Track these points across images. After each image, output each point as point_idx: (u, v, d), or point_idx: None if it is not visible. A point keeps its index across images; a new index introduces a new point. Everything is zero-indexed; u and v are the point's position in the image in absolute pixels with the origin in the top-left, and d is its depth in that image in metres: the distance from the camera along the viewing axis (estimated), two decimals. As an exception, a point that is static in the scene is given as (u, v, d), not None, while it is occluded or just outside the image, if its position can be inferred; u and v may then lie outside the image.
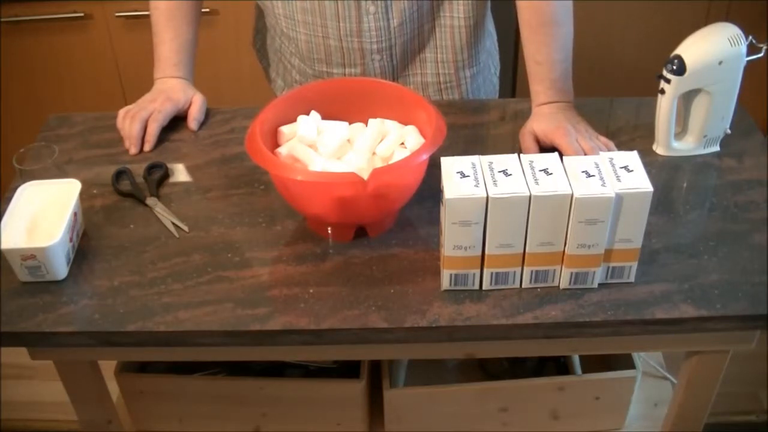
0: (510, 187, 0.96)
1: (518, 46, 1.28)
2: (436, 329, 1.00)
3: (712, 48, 1.17)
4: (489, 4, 1.41)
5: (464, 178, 0.97)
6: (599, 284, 1.03)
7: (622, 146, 1.24)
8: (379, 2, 1.28)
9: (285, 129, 1.16)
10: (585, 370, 1.33)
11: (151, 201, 1.19)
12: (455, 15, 1.34)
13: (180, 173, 1.25)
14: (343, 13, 1.29)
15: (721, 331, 1.04)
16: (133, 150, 1.29)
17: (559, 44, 1.24)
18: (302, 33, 1.35)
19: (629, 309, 1.00)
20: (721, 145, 1.26)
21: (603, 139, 1.22)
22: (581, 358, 1.36)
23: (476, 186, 0.96)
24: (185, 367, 1.35)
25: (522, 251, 1.00)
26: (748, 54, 1.18)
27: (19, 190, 1.12)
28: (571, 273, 1.02)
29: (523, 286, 1.04)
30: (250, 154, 1.06)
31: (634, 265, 1.02)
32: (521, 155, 1.01)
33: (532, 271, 1.02)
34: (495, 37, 1.52)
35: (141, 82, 1.45)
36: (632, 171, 0.98)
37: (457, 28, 1.36)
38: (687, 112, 1.24)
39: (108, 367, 1.25)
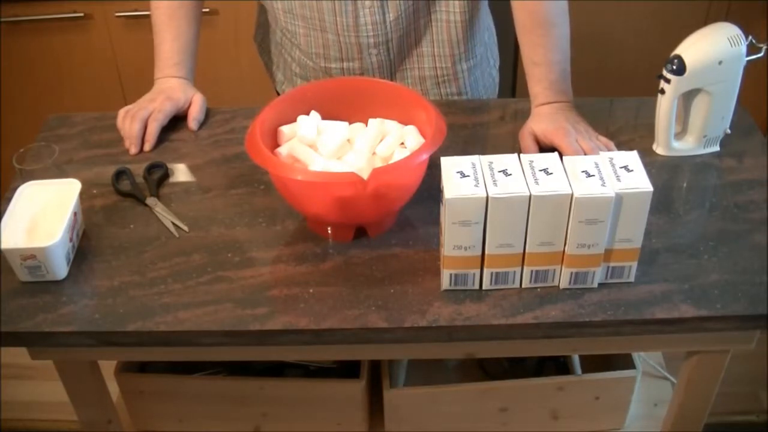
0: (510, 187, 0.96)
1: (518, 45, 1.28)
2: (436, 329, 1.00)
3: (712, 48, 1.17)
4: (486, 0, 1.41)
5: (464, 178, 0.97)
6: (599, 284, 1.03)
7: (622, 146, 1.24)
8: None
9: (285, 129, 1.16)
10: (585, 370, 1.33)
11: (151, 201, 1.19)
12: (451, 10, 1.34)
13: (180, 173, 1.25)
14: (340, 8, 1.29)
15: (721, 331, 1.04)
16: (133, 150, 1.29)
17: (556, 45, 1.24)
18: (301, 26, 1.35)
19: (629, 309, 1.00)
20: (721, 145, 1.26)
21: (603, 139, 1.22)
22: (581, 358, 1.36)
23: (476, 186, 0.96)
24: (185, 367, 1.35)
25: (522, 251, 1.00)
26: (748, 54, 1.18)
27: (19, 190, 1.12)
28: (571, 273, 1.02)
29: (523, 286, 1.04)
30: (250, 154, 1.06)
31: (634, 265, 1.02)
32: (521, 155, 1.01)
33: (532, 271, 1.02)
34: (494, 31, 1.53)
35: (141, 82, 1.45)
36: (632, 171, 0.98)
37: (453, 22, 1.36)
38: (687, 112, 1.24)
39: (108, 367, 1.25)
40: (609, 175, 0.97)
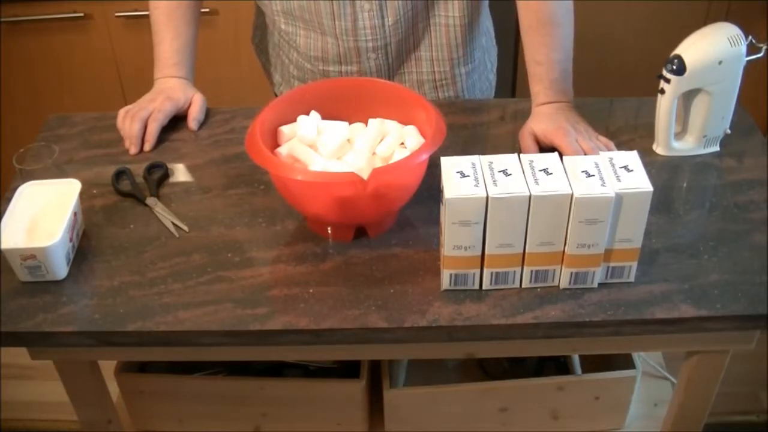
0: (510, 187, 0.96)
1: (518, 45, 1.28)
2: (436, 329, 1.00)
3: (712, 48, 1.17)
4: (486, 2, 1.41)
5: (464, 178, 0.97)
6: (599, 284, 1.03)
7: (622, 146, 1.24)
8: (373, 1, 1.28)
9: (285, 129, 1.16)
10: (585, 370, 1.33)
11: (151, 201, 1.19)
12: (450, 14, 1.34)
13: (180, 173, 1.25)
14: (339, 11, 1.29)
15: (721, 331, 1.04)
16: (133, 150, 1.29)
17: (559, 44, 1.24)
18: (301, 28, 1.35)
19: (629, 309, 1.00)
20: (721, 145, 1.26)
21: (603, 139, 1.22)
22: (581, 358, 1.36)
23: (476, 186, 0.96)
24: (185, 367, 1.35)
25: (522, 251, 1.00)
26: (748, 54, 1.18)
27: (19, 190, 1.12)
28: (571, 273, 1.02)
29: (523, 286, 1.04)
30: (250, 154, 1.06)
31: (634, 264, 1.02)
32: (521, 155, 1.01)
33: (532, 271, 1.02)
34: (492, 34, 1.53)
35: (141, 82, 1.45)
36: (632, 171, 0.98)
37: (452, 26, 1.36)
38: (687, 112, 1.24)
39: (108, 367, 1.25)
40: (609, 175, 0.97)
